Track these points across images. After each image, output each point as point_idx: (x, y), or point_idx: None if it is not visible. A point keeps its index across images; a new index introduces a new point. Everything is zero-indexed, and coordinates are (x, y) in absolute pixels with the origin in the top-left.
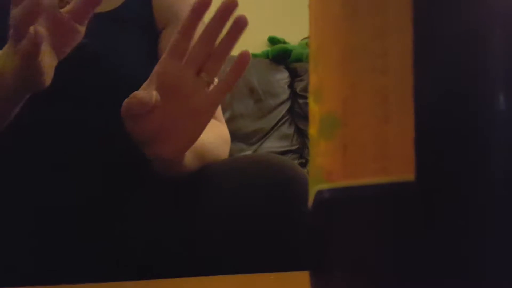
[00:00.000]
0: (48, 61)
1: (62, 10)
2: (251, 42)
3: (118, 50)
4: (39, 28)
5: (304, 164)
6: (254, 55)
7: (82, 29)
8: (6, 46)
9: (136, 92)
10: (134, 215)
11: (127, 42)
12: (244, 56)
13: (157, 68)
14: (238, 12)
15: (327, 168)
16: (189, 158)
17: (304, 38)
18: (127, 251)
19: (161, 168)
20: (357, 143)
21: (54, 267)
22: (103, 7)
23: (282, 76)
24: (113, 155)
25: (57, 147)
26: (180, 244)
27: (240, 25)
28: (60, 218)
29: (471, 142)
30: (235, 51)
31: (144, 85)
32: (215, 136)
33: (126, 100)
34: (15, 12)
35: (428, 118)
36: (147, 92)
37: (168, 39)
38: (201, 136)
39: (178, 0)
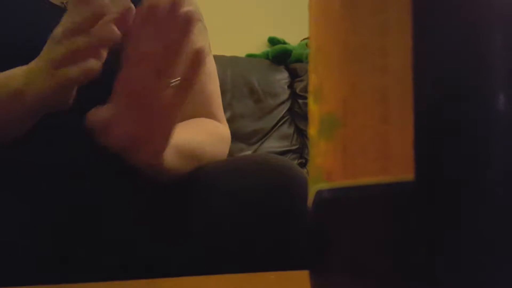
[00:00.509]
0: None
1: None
2: (251, 43)
3: (121, 50)
4: (100, 64)
5: (304, 164)
6: (254, 56)
7: (105, 54)
8: (36, 64)
9: (90, 112)
10: (134, 217)
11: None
12: (199, 52)
13: (118, 78)
14: (238, 13)
15: (327, 168)
16: (173, 160)
17: (304, 39)
18: (127, 254)
19: (148, 173)
20: (357, 143)
21: (54, 268)
22: None
23: (282, 77)
24: (115, 158)
25: (58, 152)
26: (179, 245)
27: (200, 57)
28: (60, 220)
29: (471, 142)
30: (235, 51)
31: (110, 98)
32: (208, 135)
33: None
34: (79, 39)
35: (428, 118)
36: (100, 110)
37: None
38: (190, 135)
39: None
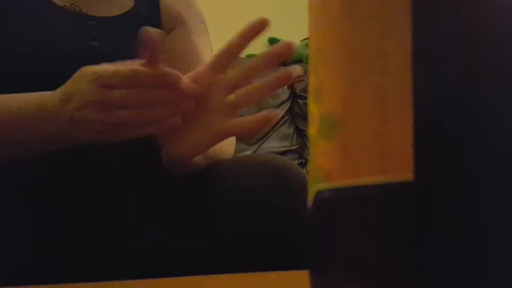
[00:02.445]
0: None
1: None
2: (251, 43)
3: (126, 52)
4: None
5: (303, 164)
6: (254, 56)
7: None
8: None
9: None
10: (138, 214)
11: (135, 45)
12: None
13: (193, 74)
14: (238, 13)
15: (327, 168)
16: (199, 157)
17: (304, 39)
18: (131, 250)
19: (171, 164)
20: (357, 143)
21: (54, 268)
22: (112, 11)
23: None
24: (121, 153)
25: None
26: (179, 244)
27: (288, 76)
28: (62, 219)
29: (470, 142)
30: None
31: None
32: None
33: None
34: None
35: (427, 118)
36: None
37: (174, 43)
38: None
39: (185, 5)
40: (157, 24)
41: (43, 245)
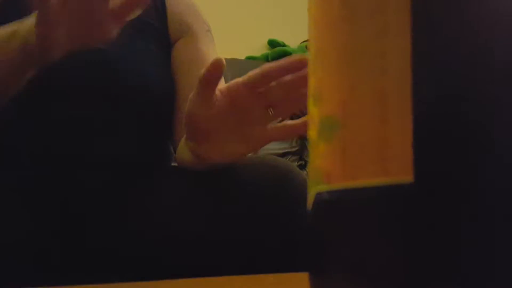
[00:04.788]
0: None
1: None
2: (251, 45)
3: (134, 57)
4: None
5: (303, 166)
6: (254, 58)
7: (114, 31)
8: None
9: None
10: (138, 215)
11: (142, 51)
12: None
13: (231, 85)
14: (239, 15)
15: (327, 170)
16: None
17: (304, 41)
18: (131, 249)
19: (197, 165)
20: (356, 145)
21: (54, 268)
22: None
23: None
24: (122, 152)
25: (70, 142)
26: (178, 244)
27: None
28: (61, 222)
29: (470, 143)
30: (235, 54)
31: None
32: None
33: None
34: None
35: (427, 119)
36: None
37: (181, 51)
38: None
39: (192, 14)
40: (164, 32)
41: (41, 246)
